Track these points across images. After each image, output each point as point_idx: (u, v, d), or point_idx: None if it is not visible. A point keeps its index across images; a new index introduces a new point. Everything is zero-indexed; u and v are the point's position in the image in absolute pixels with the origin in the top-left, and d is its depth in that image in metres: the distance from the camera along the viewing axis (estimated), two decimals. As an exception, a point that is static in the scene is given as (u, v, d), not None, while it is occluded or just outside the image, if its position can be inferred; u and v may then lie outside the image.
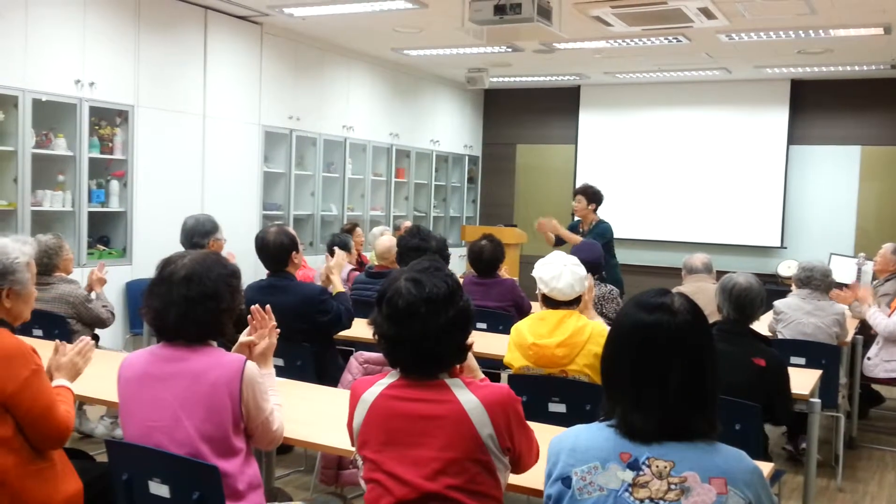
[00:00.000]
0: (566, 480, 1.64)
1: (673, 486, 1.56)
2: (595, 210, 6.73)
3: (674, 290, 1.77)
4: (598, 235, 6.43)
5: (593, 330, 3.23)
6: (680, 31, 7.29)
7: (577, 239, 6.33)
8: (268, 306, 2.72)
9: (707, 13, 6.50)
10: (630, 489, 1.59)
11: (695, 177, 10.38)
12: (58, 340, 2.79)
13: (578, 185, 6.96)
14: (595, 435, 1.66)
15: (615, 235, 6.81)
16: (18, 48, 5.52)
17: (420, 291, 1.99)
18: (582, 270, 3.34)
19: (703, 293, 4.68)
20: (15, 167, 5.57)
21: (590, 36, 7.55)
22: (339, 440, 2.62)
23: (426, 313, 1.97)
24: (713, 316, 3.21)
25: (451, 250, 5.12)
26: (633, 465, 1.59)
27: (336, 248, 4.66)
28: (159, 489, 2.27)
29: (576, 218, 6.88)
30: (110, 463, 2.42)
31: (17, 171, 5.57)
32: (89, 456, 3.13)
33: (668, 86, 10.41)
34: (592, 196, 6.72)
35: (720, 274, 5.20)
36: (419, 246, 4.33)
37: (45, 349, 2.65)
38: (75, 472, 2.65)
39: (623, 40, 7.69)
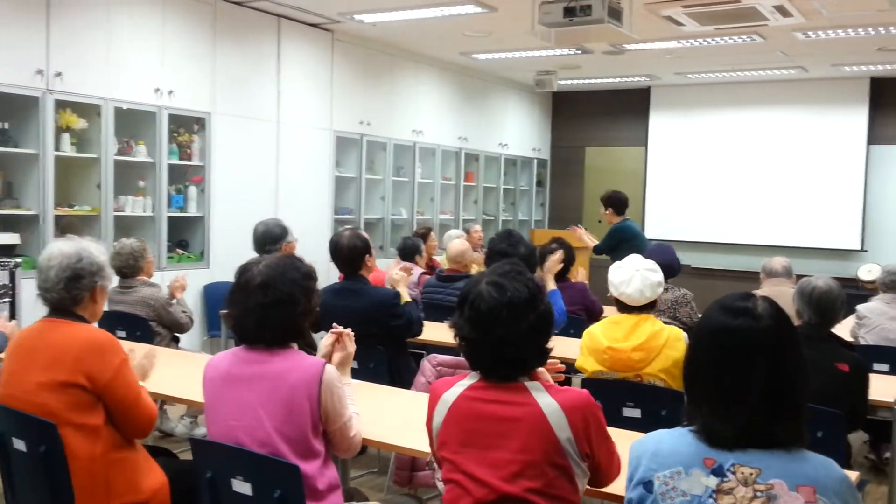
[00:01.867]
0: (648, 485, 1.63)
1: (759, 494, 1.53)
2: (617, 215, 7.06)
3: (757, 294, 1.74)
4: (610, 233, 6.91)
5: (670, 334, 3.19)
6: (754, 30, 7.13)
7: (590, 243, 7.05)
8: (348, 330, 2.75)
9: (783, 11, 6.35)
10: (714, 495, 1.56)
11: (770, 178, 10.12)
12: (131, 346, 2.91)
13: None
14: (678, 440, 1.64)
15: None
16: (101, 59, 5.72)
17: (501, 295, 2.00)
18: (655, 276, 3.30)
19: (783, 297, 4.52)
20: (98, 174, 5.78)
21: (661, 36, 7.45)
22: (414, 441, 2.65)
23: (507, 317, 1.98)
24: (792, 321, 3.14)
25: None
26: (718, 472, 1.57)
27: (401, 262, 4.71)
28: (242, 487, 2.32)
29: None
30: (195, 460, 2.49)
31: (101, 178, 5.77)
32: (173, 454, 3.23)
33: (741, 86, 10.19)
34: (608, 201, 7.10)
35: (799, 278, 5.10)
36: (506, 251, 4.32)
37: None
38: (159, 467, 2.74)
39: (695, 40, 7.56)
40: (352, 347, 2.73)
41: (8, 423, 2.70)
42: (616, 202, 7.07)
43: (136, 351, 2.88)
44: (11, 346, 2.74)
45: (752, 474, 1.55)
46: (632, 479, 1.68)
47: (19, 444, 2.66)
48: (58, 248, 2.68)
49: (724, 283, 9.35)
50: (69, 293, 2.63)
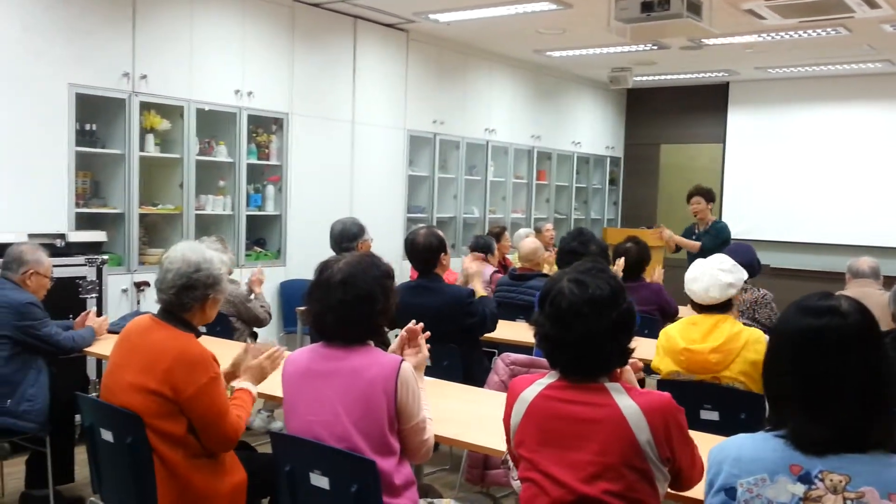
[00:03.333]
0: (730, 492, 1.60)
1: (849, 502, 1.49)
2: (712, 211, 6.76)
3: (837, 294, 1.69)
4: (718, 232, 6.52)
5: (749, 336, 3.11)
6: (840, 22, 6.90)
7: (695, 245, 6.53)
8: (420, 325, 2.74)
9: (870, 2, 6.13)
10: (801, 503, 1.52)
11: (854, 175, 9.78)
12: (249, 341, 2.97)
13: (691, 188, 6.93)
14: (761, 445, 1.60)
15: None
16: (184, 62, 5.89)
17: (583, 292, 1.98)
18: (726, 276, 3.19)
19: (869, 298, 4.35)
20: (181, 173, 5.94)
21: (741, 30, 7.27)
22: (486, 439, 2.65)
23: (589, 314, 1.96)
24: (884, 324, 3.03)
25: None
26: (805, 479, 1.53)
27: (472, 254, 4.69)
28: (320, 481, 2.35)
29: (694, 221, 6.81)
30: (274, 454, 2.53)
31: (183, 177, 5.94)
32: (251, 447, 3.30)
33: (824, 80, 9.87)
34: (709, 195, 6.73)
35: (887, 279, 4.92)
36: (576, 249, 4.28)
37: (209, 345, 2.77)
38: (240, 463, 2.79)
39: (777, 34, 7.36)
40: (426, 351, 2.72)
41: (98, 415, 2.81)
42: (713, 195, 6.77)
43: (257, 349, 2.90)
44: (120, 337, 2.80)
45: (841, 482, 1.50)
46: (712, 486, 1.65)
47: (107, 436, 2.75)
48: (181, 253, 2.72)
49: (807, 283, 9.06)
50: (179, 300, 2.68)
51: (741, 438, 1.65)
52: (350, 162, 7.29)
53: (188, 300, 2.68)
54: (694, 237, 6.79)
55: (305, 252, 6.59)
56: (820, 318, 1.60)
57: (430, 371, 3.56)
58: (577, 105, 10.46)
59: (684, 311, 4.30)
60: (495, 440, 2.59)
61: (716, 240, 6.39)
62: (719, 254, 3.38)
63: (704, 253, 6.30)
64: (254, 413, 5.22)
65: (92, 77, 5.35)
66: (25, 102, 5.03)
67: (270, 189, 6.71)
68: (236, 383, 2.86)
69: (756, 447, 1.61)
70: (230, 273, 4.92)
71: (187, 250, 2.74)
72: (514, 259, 6.47)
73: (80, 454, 3.76)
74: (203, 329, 4.39)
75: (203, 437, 2.61)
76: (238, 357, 2.91)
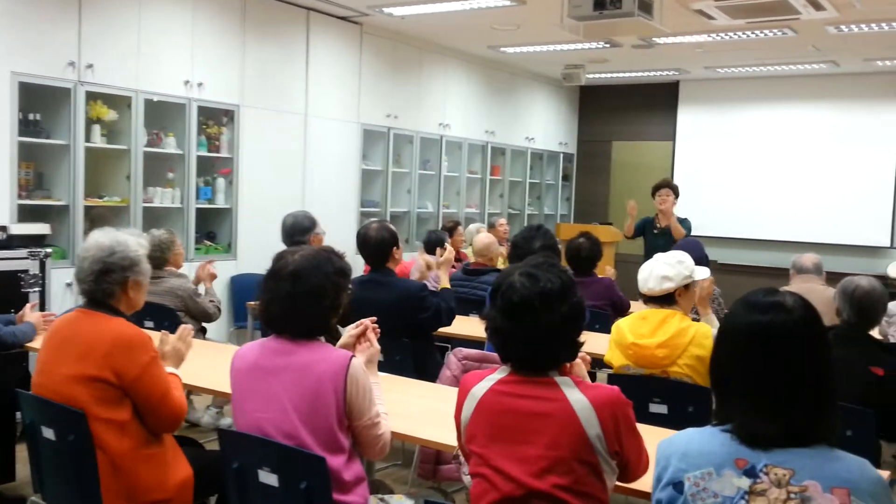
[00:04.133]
0: (678, 485, 1.61)
1: (793, 496, 1.51)
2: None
3: (782, 290, 1.72)
4: (686, 225, 6.59)
5: (697, 331, 3.15)
6: (786, 24, 7.04)
7: (682, 231, 6.51)
8: (369, 319, 2.69)
9: (815, 4, 6.26)
10: (747, 497, 1.54)
11: (799, 174, 10.01)
12: (162, 331, 2.92)
13: (659, 181, 6.95)
14: (708, 440, 1.62)
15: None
16: (132, 51, 5.76)
17: (534, 285, 1.99)
18: (665, 269, 3.23)
19: (813, 294, 4.48)
20: (128, 165, 5.82)
21: (691, 30, 7.37)
22: (439, 435, 2.64)
23: (540, 308, 1.97)
24: (827, 320, 3.10)
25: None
26: (750, 473, 1.55)
27: (447, 245, 4.68)
28: (268, 478, 2.32)
29: (655, 214, 6.83)
30: (222, 451, 2.50)
31: (130, 169, 5.82)
32: (199, 444, 3.25)
33: (772, 80, 10.08)
34: (676, 190, 6.77)
35: (829, 275, 5.04)
36: (518, 243, 4.26)
37: (156, 340, 2.76)
38: (186, 458, 2.75)
39: (726, 34, 7.48)
40: (377, 345, 2.69)
41: (38, 412, 2.74)
42: (678, 192, 6.81)
43: (168, 335, 2.87)
44: (48, 334, 2.76)
45: (785, 475, 1.53)
46: (660, 480, 1.66)
47: (48, 433, 2.69)
48: (95, 241, 2.69)
49: (752, 279, 9.24)
50: (99, 286, 2.65)
51: (689, 433, 1.67)
52: (303, 155, 7.22)
53: (107, 285, 2.65)
54: (655, 231, 6.81)
55: (256, 246, 6.51)
56: (765, 314, 1.62)
57: (382, 366, 3.54)
58: (530, 101, 10.51)
59: (637, 306, 4.35)
60: (447, 435, 2.58)
61: (687, 229, 6.48)
62: (677, 250, 3.42)
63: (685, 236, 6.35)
64: (202, 409, 5.15)
65: (36, 66, 5.21)
66: (-35, 90, 4.89)
67: (221, 182, 6.61)
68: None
69: (703, 441, 1.63)
70: (179, 267, 4.87)
71: (100, 237, 2.71)
72: (468, 254, 6.47)
73: (21, 451, 3.67)
74: (150, 324, 4.36)
75: (150, 419, 2.59)
76: (157, 348, 2.86)
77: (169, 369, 2.80)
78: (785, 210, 10.06)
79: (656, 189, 6.80)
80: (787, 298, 1.65)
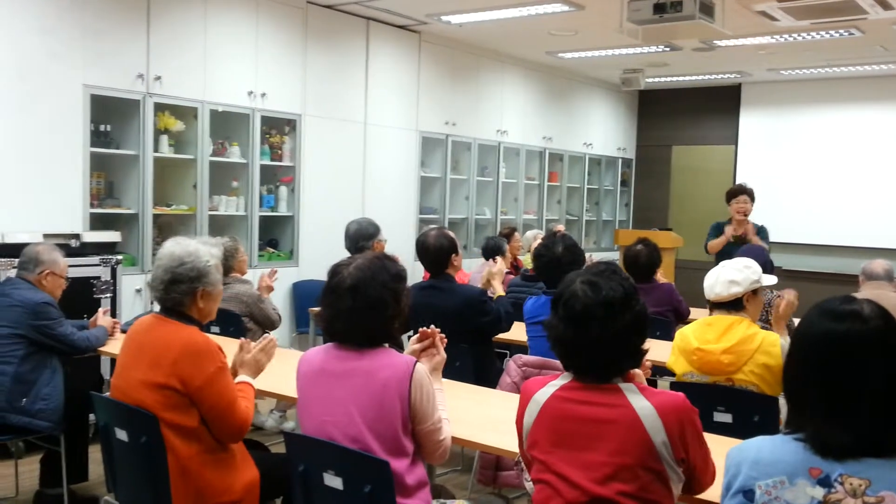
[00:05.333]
0: (748, 493, 1.59)
1: (868, 506, 1.48)
2: None
3: (858, 298, 1.68)
4: (766, 236, 6.28)
5: (764, 339, 3.09)
6: (853, 24, 6.87)
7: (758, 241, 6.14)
8: (432, 327, 2.69)
9: (883, 3, 6.10)
10: (820, 506, 1.52)
11: (866, 177, 9.73)
12: (243, 339, 2.97)
13: (737, 185, 6.67)
14: (780, 448, 1.59)
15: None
16: (198, 63, 5.91)
17: (596, 294, 1.98)
18: (733, 274, 3.18)
19: (884, 301, 4.35)
20: (194, 174, 5.97)
21: (753, 32, 7.25)
22: (499, 440, 2.64)
23: (602, 316, 1.96)
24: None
25: (601, 254, 5.04)
26: (825, 482, 1.52)
27: (498, 257, 4.69)
28: (333, 481, 2.35)
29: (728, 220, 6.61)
30: (288, 454, 2.53)
31: (197, 178, 5.96)
32: (265, 447, 3.31)
33: (837, 81, 9.83)
34: (753, 195, 6.41)
35: (901, 281, 4.89)
36: (541, 252, 4.17)
37: (222, 345, 2.77)
38: (252, 461, 2.80)
39: (789, 35, 7.34)
40: (443, 353, 2.69)
41: (111, 414, 2.82)
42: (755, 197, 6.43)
43: (249, 343, 2.91)
44: (126, 338, 2.83)
45: (861, 486, 1.49)
46: (729, 488, 1.64)
47: (121, 435, 2.76)
48: (168, 250, 2.75)
49: (819, 285, 9.02)
50: (168, 295, 2.71)
51: (760, 440, 1.65)
52: (362, 163, 7.30)
53: (176, 294, 2.70)
54: (731, 240, 6.47)
55: (318, 252, 6.61)
56: (841, 323, 1.59)
57: (443, 372, 3.56)
58: (588, 106, 10.45)
59: (698, 312, 4.29)
60: (507, 441, 2.58)
61: (766, 239, 6.17)
62: (741, 256, 3.37)
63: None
64: (266, 413, 5.23)
65: (107, 78, 5.38)
66: (41, 103, 5.06)
67: (283, 190, 6.73)
68: (236, 379, 2.86)
69: (775, 449, 1.60)
70: (243, 273, 4.97)
71: (173, 247, 2.76)
72: (525, 260, 6.46)
73: (94, 453, 3.78)
74: (216, 329, 4.45)
75: (213, 427, 2.63)
76: (236, 356, 2.91)
77: (244, 378, 2.83)
78: (852, 214, 9.79)
79: (733, 195, 6.52)
80: (865, 307, 1.62)
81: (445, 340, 2.72)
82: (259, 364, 2.91)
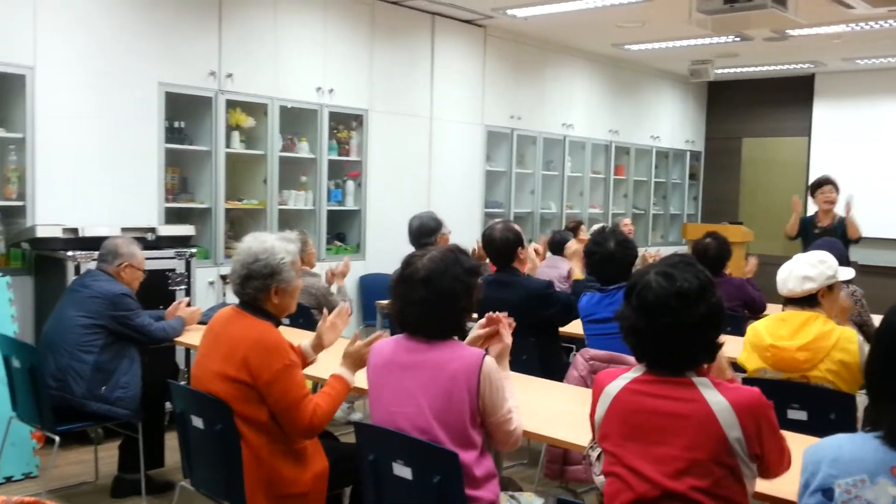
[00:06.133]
0: (828, 492, 1.56)
1: (953, 505, 1.44)
2: None
3: None
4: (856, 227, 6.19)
5: (841, 335, 3.01)
6: (935, 10, 6.63)
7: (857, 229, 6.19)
8: (501, 314, 2.68)
9: (967, -12, 5.87)
10: (902, 506, 1.48)
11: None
12: (357, 331, 3.01)
13: (822, 176, 6.56)
14: (860, 446, 1.56)
15: None
16: (268, 60, 6.02)
17: (671, 285, 1.96)
18: (807, 269, 3.09)
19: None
20: (265, 169, 6.08)
21: (828, 20, 7.04)
22: (567, 434, 2.63)
23: (676, 307, 1.94)
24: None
25: (669, 249, 4.97)
26: (907, 481, 1.49)
27: (573, 238, 4.64)
28: (402, 471, 2.37)
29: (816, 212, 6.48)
30: (358, 444, 2.57)
31: (267, 173, 6.08)
32: (335, 436, 3.36)
33: (917, 71, 9.49)
34: (838, 187, 6.35)
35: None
36: (593, 250, 4.09)
37: (290, 337, 2.85)
38: (323, 451, 2.85)
39: (866, 23, 7.11)
40: (509, 339, 2.68)
41: (188, 402, 2.91)
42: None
43: (357, 335, 2.91)
44: (206, 329, 2.90)
45: (945, 484, 1.45)
46: (808, 486, 1.61)
47: (197, 422, 2.85)
48: (246, 245, 2.80)
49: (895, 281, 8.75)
50: (243, 290, 2.77)
51: (839, 438, 1.61)
52: (428, 157, 7.34)
53: (250, 290, 2.75)
54: (817, 231, 6.40)
55: (384, 246, 6.68)
56: None
57: (510, 365, 3.56)
58: (656, 99, 10.30)
59: (774, 308, 4.20)
60: (575, 435, 2.58)
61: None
62: (815, 249, 3.28)
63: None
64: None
65: (180, 76, 5.52)
66: (120, 100, 5.23)
67: (350, 184, 6.81)
68: (335, 370, 2.86)
69: (855, 447, 1.57)
70: (312, 267, 5.04)
71: (252, 241, 2.80)
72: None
73: (170, 440, 3.90)
74: (286, 321, 4.54)
75: (281, 423, 2.68)
76: (320, 328, 2.97)
77: (341, 371, 2.82)
78: (933, 208, 9.45)
79: (817, 186, 6.43)
80: None
81: (514, 325, 2.71)
82: (362, 357, 2.81)
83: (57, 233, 4.66)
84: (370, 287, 6.65)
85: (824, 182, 6.35)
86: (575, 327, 4.23)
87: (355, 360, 2.86)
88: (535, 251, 4.70)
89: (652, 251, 7.14)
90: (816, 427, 2.68)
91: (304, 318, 4.74)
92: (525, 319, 3.83)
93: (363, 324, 6.73)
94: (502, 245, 4.11)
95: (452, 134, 7.55)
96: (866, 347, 2.94)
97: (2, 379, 3.99)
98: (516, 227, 4.21)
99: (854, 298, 4.53)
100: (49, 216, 4.86)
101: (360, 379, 2.62)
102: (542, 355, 3.94)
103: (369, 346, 2.86)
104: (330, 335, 3.06)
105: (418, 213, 5.26)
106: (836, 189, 6.31)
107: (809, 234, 6.56)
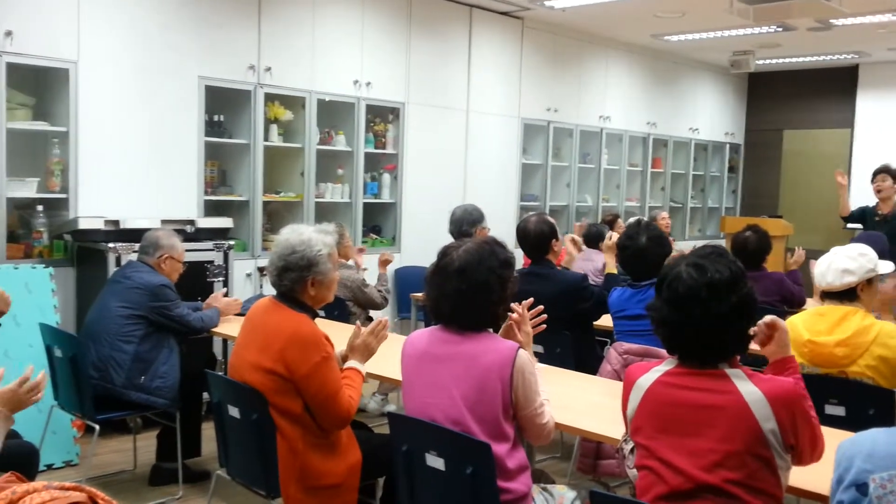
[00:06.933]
0: (862, 487, 1.54)
1: None
2: None
3: None
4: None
5: (881, 330, 2.95)
6: (984, -2, 6.46)
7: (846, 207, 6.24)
8: (525, 308, 2.71)
9: None
10: (937, 501, 1.46)
11: None
12: (357, 323, 3.04)
13: (853, 173, 6.52)
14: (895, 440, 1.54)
15: None
16: (306, 54, 6.07)
17: (701, 276, 1.95)
18: (846, 262, 3.02)
19: None
20: (302, 162, 6.13)
21: (873, 9, 6.89)
22: (600, 427, 2.63)
23: (707, 298, 1.93)
24: None
25: (707, 242, 4.90)
26: (943, 476, 1.46)
27: (612, 233, 4.60)
28: (435, 462, 2.39)
29: (872, 202, 6.38)
30: (392, 435, 2.59)
31: (304, 166, 6.13)
32: (368, 427, 3.39)
33: (967, 60, 9.25)
34: (894, 175, 6.24)
35: None
36: (625, 244, 4.03)
37: (325, 328, 2.86)
38: (356, 443, 2.88)
39: (913, 12, 6.95)
40: (528, 328, 2.68)
41: (225, 392, 2.95)
42: None
43: (360, 328, 2.94)
44: (245, 319, 2.94)
45: (982, 481, 1.43)
46: (842, 481, 1.59)
47: (234, 412, 2.89)
48: (284, 237, 2.83)
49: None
50: (280, 281, 2.80)
51: (874, 433, 1.59)
52: (464, 150, 7.34)
53: (287, 282, 2.78)
54: (877, 219, 6.31)
55: (420, 239, 6.70)
56: None
57: (543, 358, 3.57)
58: (695, 90, 10.18)
59: (811, 302, 4.14)
60: (608, 428, 2.57)
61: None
62: (857, 242, 3.22)
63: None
64: (368, 396, 5.35)
65: (220, 69, 5.59)
66: (161, 94, 5.30)
67: (386, 177, 6.84)
68: (347, 364, 2.91)
69: (890, 442, 1.55)
70: (348, 259, 5.08)
71: (289, 234, 2.83)
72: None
73: (207, 430, 3.96)
74: (321, 313, 4.58)
75: (317, 415, 2.70)
76: (351, 338, 2.97)
77: (353, 364, 2.88)
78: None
79: (873, 175, 6.40)
80: None
81: (544, 319, 2.73)
82: (369, 348, 2.94)
83: (98, 225, 4.75)
84: (405, 280, 6.67)
85: (879, 171, 6.33)
86: (609, 321, 4.21)
87: (363, 351, 2.92)
88: (573, 241, 4.68)
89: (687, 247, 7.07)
90: (855, 422, 2.63)
91: (340, 311, 4.79)
92: (559, 313, 3.82)
93: (398, 316, 6.77)
94: (537, 237, 4.10)
95: (489, 127, 7.54)
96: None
97: (44, 368, 4.08)
98: (550, 219, 4.20)
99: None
100: (91, 208, 4.95)
101: (395, 370, 2.63)
102: (575, 349, 3.93)
103: (374, 335, 2.93)
104: (360, 354, 2.94)
105: (460, 204, 5.27)
106: (892, 177, 6.23)
107: (868, 222, 6.47)
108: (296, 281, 2.78)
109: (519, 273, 4.04)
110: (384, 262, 5.22)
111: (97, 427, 3.70)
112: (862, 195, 9.83)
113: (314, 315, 2.85)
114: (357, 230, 6.52)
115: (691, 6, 7.10)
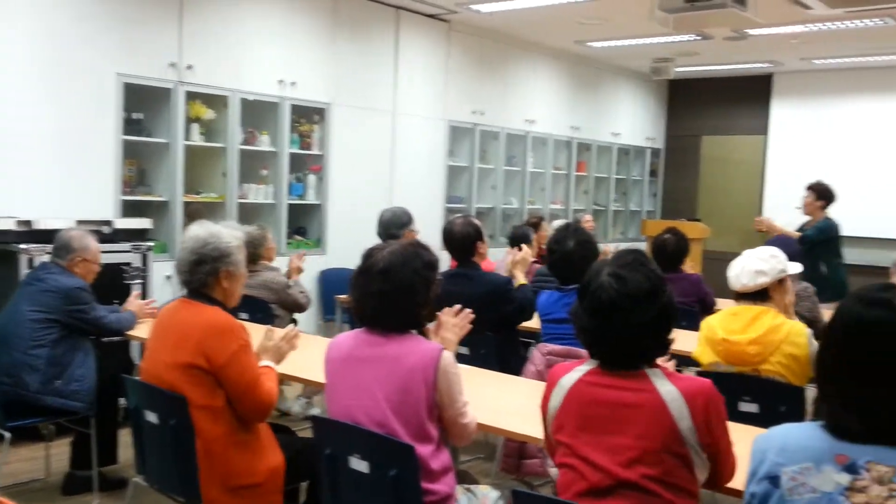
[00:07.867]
0: (774, 479, 1.58)
1: (895, 493, 1.47)
2: (823, 208, 6.56)
3: None
4: (818, 231, 6.35)
5: (791, 329, 3.07)
6: (887, 12, 6.77)
7: (794, 234, 6.37)
8: (455, 310, 2.75)
9: (920, -9, 6.01)
10: (846, 493, 1.51)
11: (901, 169, 9.58)
12: (269, 326, 3.01)
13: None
14: (807, 434, 1.59)
15: None
16: (230, 52, 5.97)
17: (622, 286, 1.98)
18: (759, 264, 3.14)
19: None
20: (224, 162, 6.03)
21: (786, 20, 7.16)
22: (523, 427, 2.64)
23: (629, 308, 1.96)
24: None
25: (628, 245, 4.99)
26: (851, 469, 1.51)
27: (523, 245, 4.68)
28: (359, 465, 2.37)
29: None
30: (315, 438, 2.56)
31: (226, 166, 6.02)
32: (292, 431, 3.34)
33: (871, 71, 9.68)
34: (822, 193, 6.55)
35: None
36: (552, 248, 4.08)
37: (249, 331, 2.81)
38: (278, 445, 2.84)
39: (823, 24, 7.24)
40: (448, 333, 2.71)
41: (142, 397, 2.87)
42: (828, 194, 6.61)
43: (274, 331, 2.95)
44: (154, 323, 2.89)
45: (888, 473, 1.48)
46: (755, 474, 1.63)
47: (151, 417, 2.81)
48: (192, 233, 2.80)
49: (851, 277, 8.92)
50: (194, 276, 2.75)
51: (786, 427, 1.64)
52: (390, 152, 7.33)
53: (201, 275, 2.74)
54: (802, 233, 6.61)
55: (345, 241, 6.65)
56: (871, 310, 1.58)
57: (467, 359, 3.58)
58: (617, 96, 10.39)
59: (725, 303, 4.25)
60: (532, 428, 2.59)
61: (821, 234, 6.34)
62: (768, 246, 3.34)
63: (804, 242, 6.21)
64: (292, 399, 5.28)
65: (140, 67, 5.44)
66: (75, 91, 5.14)
67: (312, 178, 6.77)
68: (259, 363, 2.89)
69: (802, 436, 1.60)
70: (272, 261, 5.01)
71: (197, 230, 2.81)
72: (552, 250, 6.43)
73: (124, 437, 3.84)
74: (245, 316, 4.50)
75: (238, 405, 2.67)
76: (260, 341, 2.95)
77: (266, 363, 2.87)
78: (885, 206, 9.65)
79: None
80: None
81: (472, 319, 2.75)
82: (280, 352, 2.95)
83: (10, 225, 4.57)
84: (330, 281, 6.62)
85: (808, 187, 6.65)
86: (531, 322, 4.25)
87: (275, 353, 2.92)
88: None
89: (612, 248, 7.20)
90: (767, 419, 2.71)
91: (263, 314, 4.71)
92: (484, 314, 3.84)
93: (323, 319, 6.70)
94: (462, 239, 4.12)
95: (415, 128, 7.54)
96: (815, 342, 3.00)
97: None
98: (476, 221, 4.23)
99: (805, 294, 4.62)
100: (1, 208, 4.76)
101: (319, 373, 2.61)
102: (499, 350, 3.95)
103: (287, 341, 2.94)
104: (272, 356, 2.93)
105: (387, 206, 5.25)
106: (816, 194, 6.58)
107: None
108: (209, 273, 2.75)
109: (444, 274, 4.07)
110: (296, 270, 5.07)
111: (8, 435, 3.56)
112: (775, 201, 10.21)
113: (226, 311, 2.81)
114: (281, 232, 6.44)
115: (613, 14, 7.25)
